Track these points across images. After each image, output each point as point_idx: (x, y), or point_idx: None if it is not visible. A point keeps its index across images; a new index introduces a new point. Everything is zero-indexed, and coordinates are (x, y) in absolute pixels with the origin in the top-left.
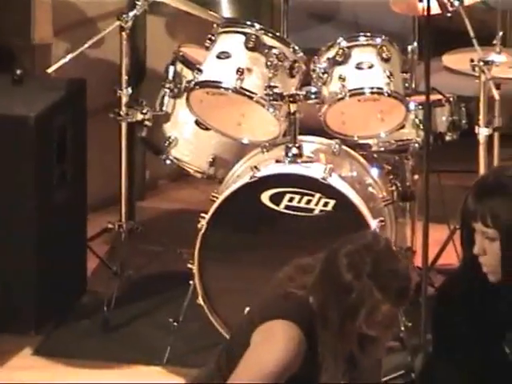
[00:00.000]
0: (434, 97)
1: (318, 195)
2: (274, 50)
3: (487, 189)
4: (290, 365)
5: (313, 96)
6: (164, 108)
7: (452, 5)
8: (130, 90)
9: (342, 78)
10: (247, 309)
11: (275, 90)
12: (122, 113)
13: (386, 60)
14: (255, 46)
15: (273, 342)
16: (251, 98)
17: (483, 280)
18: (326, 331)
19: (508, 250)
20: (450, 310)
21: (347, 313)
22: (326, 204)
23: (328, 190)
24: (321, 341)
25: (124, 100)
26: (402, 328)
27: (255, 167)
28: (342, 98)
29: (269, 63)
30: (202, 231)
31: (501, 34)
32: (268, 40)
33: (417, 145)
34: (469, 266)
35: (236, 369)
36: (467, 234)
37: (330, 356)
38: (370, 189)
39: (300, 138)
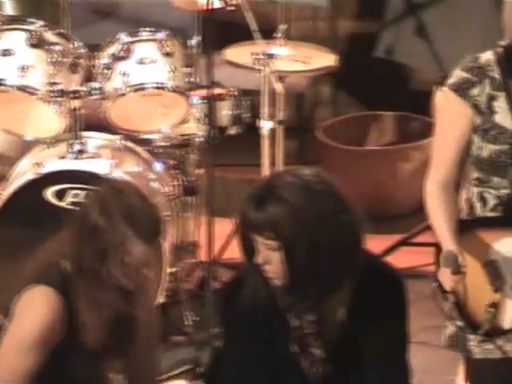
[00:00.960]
0: (216, 91)
1: None
2: (57, 47)
3: (262, 198)
4: (50, 331)
5: (96, 92)
6: None
7: None
8: None
9: (124, 74)
10: None
11: (58, 87)
12: None
13: (169, 55)
14: (38, 43)
15: (29, 310)
16: (34, 94)
17: (267, 283)
18: (82, 283)
19: (292, 261)
20: (236, 310)
21: (99, 255)
22: None
23: None
24: (79, 296)
25: None
26: (189, 323)
27: (38, 164)
28: (125, 94)
29: (51, 60)
30: None
31: (283, 26)
32: (50, 37)
33: (200, 139)
34: (252, 271)
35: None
36: (248, 242)
37: (88, 310)
38: (154, 184)
39: (84, 134)
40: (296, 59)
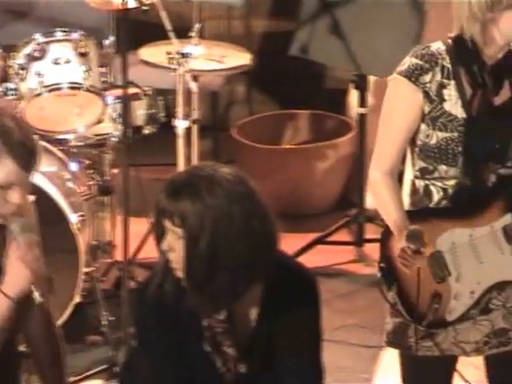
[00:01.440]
0: (131, 90)
1: None
2: None
3: (178, 187)
4: None
5: (11, 92)
6: None
7: None
8: None
9: (39, 74)
10: None
11: None
12: None
13: (83, 55)
14: None
15: None
16: None
17: (177, 282)
18: None
19: (192, 254)
20: (146, 309)
21: None
22: None
23: None
24: None
25: None
26: (105, 323)
27: None
28: (40, 94)
29: None
30: None
31: (198, 26)
32: None
33: (115, 139)
34: (162, 263)
35: None
36: (160, 229)
37: None
38: (70, 183)
39: None
40: (211, 58)
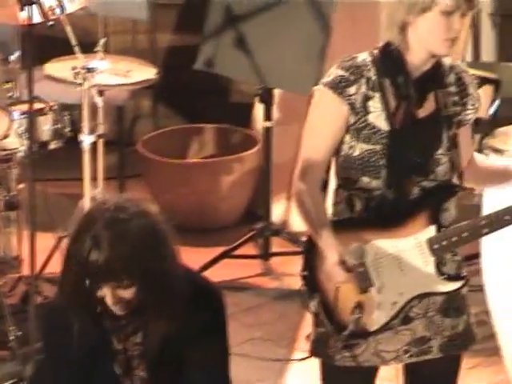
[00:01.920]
0: (37, 105)
1: None
2: None
3: (105, 239)
4: None
5: None
6: None
7: (54, 13)
8: None
9: None
10: None
11: None
12: None
13: None
14: None
15: None
16: None
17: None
18: None
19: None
20: (54, 328)
21: None
22: None
23: None
24: None
25: None
26: (12, 337)
27: None
28: None
29: None
30: None
31: (103, 40)
32: None
33: (21, 154)
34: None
35: None
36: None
37: None
38: None
39: None
40: (116, 73)
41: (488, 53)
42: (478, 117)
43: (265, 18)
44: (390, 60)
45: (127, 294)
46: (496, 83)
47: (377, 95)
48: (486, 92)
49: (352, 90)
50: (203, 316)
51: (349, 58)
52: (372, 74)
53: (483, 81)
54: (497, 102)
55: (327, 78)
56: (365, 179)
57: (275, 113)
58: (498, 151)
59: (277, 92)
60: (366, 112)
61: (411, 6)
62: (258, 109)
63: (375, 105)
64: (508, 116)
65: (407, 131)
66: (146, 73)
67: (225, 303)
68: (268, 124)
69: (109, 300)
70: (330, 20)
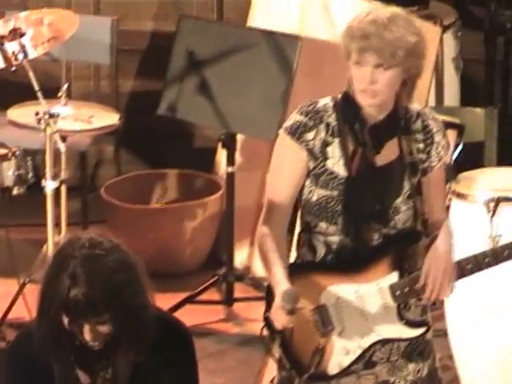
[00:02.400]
0: (0, 151)
1: None
2: None
3: (83, 276)
4: None
5: None
6: None
7: (16, 59)
8: None
9: None
10: None
11: None
12: None
13: None
14: None
15: None
16: None
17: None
18: None
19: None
20: (17, 367)
21: None
22: None
23: None
24: None
25: None
26: None
27: None
28: None
29: None
30: None
31: (66, 85)
32: None
33: None
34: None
35: None
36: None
37: None
38: None
39: None
40: (79, 118)
41: (451, 97)
42: None
43: (228, 63)
44: (349, 106)
45: (105, 328)
46: (459, 128)
47: (336, 141)
48: (449, 137)
49: (310, 135)
50: (174, 356)
51: (310, 103)
52: (332, 119)
53: (446, 126)
54: (460, 147)
55: (287, 123)
56: (323, 224)
57: (238, 158)
58: (461, 196)
59: (239, 137)
60: (325, 158)
61: (347, 56)
62: (221, 154)
63: (334, 151)
64: (471, 161)
65: (364, 178)
66: (109, 118)
67: (193, 340)
68: (231, 169)
69: (87, 336)
70: (294, 64)
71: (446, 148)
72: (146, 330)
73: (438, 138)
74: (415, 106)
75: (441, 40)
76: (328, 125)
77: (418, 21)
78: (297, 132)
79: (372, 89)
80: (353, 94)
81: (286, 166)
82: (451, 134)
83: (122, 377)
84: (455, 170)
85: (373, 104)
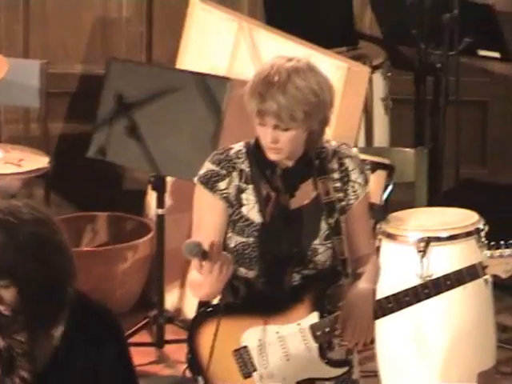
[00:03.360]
0: None
1: None
2: None
3: None
4: None
5: None
6: None
7: None
8: None
9: None
10: None
11: None
12: None
13: None
14: None
15: None
16: None
17: None
18: None
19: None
20: None
21: None
22: None
23: None
24: None
25: None
26: None
27: None
28: None
29: None
30: None
31: None
32: None
33: None
34: None
35: None
36: None
37: None
38: None
39: None
40: (8, 161)
41: (381, 137)
42: (371, 202)
43: (157, 104)
44: (260, 153)
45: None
46: (389, 168)
47: (250, 187)
48: (379, 177)
49: (223, 184)
50: (99, 338)
51: (222, 151)
52: (245, 166)
53: (376, 166)
54: (390, 188)
55: (200, 171)
56: (242, 270)
57: (168, 200)
58: (391, 237)
59: (169, 179)
60: (240, 204)
61: (250, 112)
62: (151, 196)
63: (248, 197)
64: (401, 201)
65: (279, 223)
66: (39, 161)
67: (118, 321)
68: (161, 211)
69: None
70: (222, 105)
71: (363, 186)
72: (60, 308)
73: (354, 176)
74: (332, 143)
75: (370, 80)
76: (241, 171)
77: (320, 72)
78: (209, 182)
79: (275, 147)
80: None
81: (206, 217)
82: (381, 175)
83: (41, 344)
84: (385, 210)
85: (279, 158)
